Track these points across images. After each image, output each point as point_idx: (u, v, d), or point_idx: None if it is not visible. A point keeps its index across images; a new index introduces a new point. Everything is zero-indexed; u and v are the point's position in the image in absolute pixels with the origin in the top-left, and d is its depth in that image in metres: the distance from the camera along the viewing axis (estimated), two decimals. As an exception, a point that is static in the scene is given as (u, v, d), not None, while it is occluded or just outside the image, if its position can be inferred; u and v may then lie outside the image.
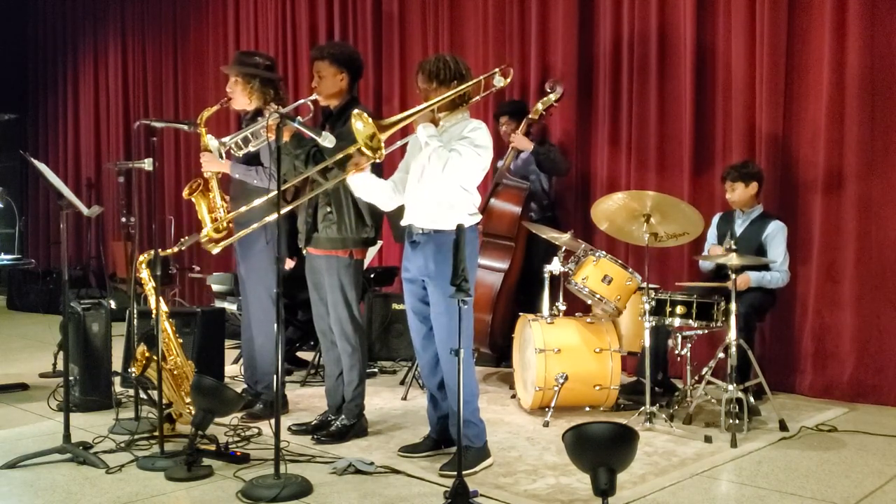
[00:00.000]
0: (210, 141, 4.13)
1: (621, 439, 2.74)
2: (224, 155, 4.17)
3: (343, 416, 4.07)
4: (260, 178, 4.35)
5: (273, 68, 4.59)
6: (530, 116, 5.62)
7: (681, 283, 4.73)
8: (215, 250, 4.02)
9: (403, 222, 3.68)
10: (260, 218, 3.95)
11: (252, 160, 4.39)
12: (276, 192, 3.41)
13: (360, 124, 3.31)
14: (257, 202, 3.92)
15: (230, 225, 4.44)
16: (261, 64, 4.49)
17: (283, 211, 3.46)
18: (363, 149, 3.35)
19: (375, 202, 3.78)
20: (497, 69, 3.57)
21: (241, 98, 4.47)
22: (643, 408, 4.23)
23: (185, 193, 4.45)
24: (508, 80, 3.58)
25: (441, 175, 3.44)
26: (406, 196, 3.68)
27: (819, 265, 4.99)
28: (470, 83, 3.55)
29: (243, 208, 4.06)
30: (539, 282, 4.87)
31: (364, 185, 3.69)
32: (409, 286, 3.71)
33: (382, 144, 3.32)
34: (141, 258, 4.26)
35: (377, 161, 3.47)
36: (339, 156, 3.69)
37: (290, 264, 5.22)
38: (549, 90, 5.60)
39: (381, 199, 3.74)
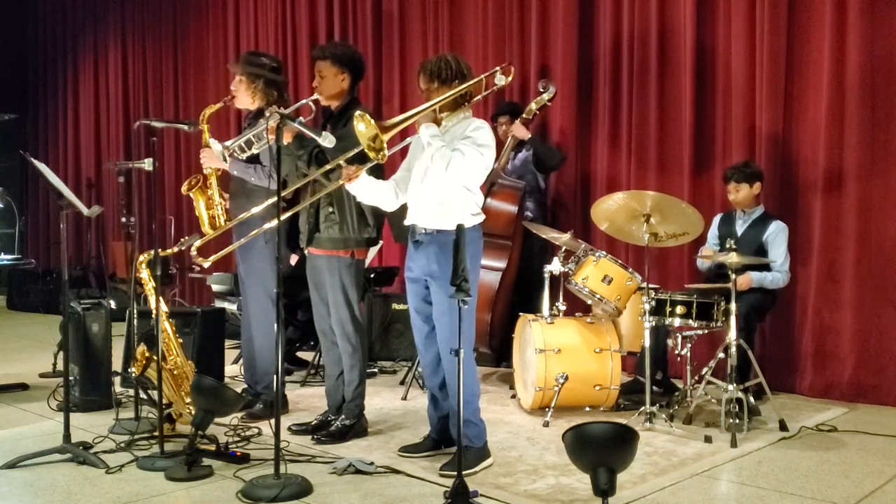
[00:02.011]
0: (213, 145, 4.15)
1: (621, 439, 2.74)
2: (227, 158, 4.20)
3: (343, 416, 4.07)
4: (258, 176, 4.35)
5: (279, 70, 4.60)
6: (524, 116, 5.69)
7: (688, 286, 4.73)
8: (206, 264, 4.01)
9: (406, 222, 3.68)
10: (261, 218, 3.95)
11: (252, 159, 4.39)
12: (275, 191, 3.41)
13: (363, 125, 3.30)
14: (257, 209, 3.93)
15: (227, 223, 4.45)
16: (267, 65, 4.50)
17: (285, 217, 3.45)
18: (366, 150, 3.35)
19: (378, 204, 3.78)
20: (498, 68, 3.58)
21: (245, 97, 4.48)
22: (643, 408, 4.23)
23: (183, 189, 4.46)
24: (510, 78, 3.59)
25: (444, 175, 3.43)
26: (409, 196, 3.68)
27: (819, 265, 4.99)
28: (471, 82, 3.56)
29: (244, 214, 4.06)
30: (537, 281, 4.87)
31: (365, 190, 3.68)
32: (411, 286, 3.71)
33: (385, 145, 3.31)
34: (141, 258, 4.27)
35: (379, 162, 3.47)
36: (342, 158, 3.69)
37: (293, 259, 5.21)
38: (541, 90, 5.68)
39: (384, 200, 3.73)
